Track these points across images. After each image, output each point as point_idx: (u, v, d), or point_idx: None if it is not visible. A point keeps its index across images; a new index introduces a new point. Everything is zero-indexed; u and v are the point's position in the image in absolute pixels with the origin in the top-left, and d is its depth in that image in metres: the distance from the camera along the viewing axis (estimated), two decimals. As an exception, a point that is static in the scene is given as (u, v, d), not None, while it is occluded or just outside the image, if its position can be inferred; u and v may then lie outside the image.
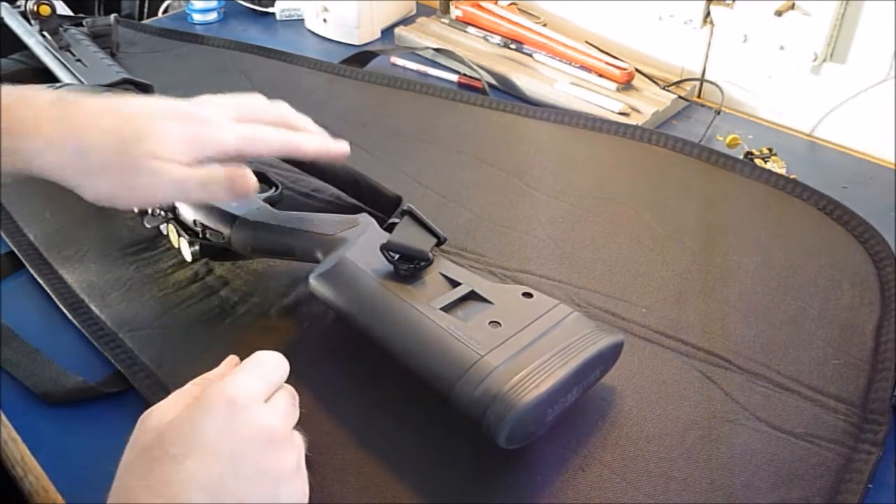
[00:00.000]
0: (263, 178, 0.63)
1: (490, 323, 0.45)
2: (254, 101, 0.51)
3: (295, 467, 0.39)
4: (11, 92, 0.45)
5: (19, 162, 0.44)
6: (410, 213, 0.50)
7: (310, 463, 0.42)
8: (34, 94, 0.45)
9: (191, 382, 0.42)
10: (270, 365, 0.42)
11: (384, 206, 0.63)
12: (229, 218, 0.55)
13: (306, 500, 0.40)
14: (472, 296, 0.47)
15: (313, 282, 0.50)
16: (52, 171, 0.45)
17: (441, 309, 0.46)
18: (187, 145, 0.45)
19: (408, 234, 0.49)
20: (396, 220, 0.51)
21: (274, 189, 0.61)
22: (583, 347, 0.44)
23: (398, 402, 0.48)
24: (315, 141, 0.51)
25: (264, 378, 0.41)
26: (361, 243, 0.51)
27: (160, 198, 0.48)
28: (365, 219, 0.54)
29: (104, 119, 0.45)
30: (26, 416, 0.50)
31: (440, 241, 0.50)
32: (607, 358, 0.46)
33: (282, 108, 0.52)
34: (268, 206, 0.57)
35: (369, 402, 0.48)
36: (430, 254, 0.49)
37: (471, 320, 0.45)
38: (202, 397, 0.39)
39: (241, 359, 0.43)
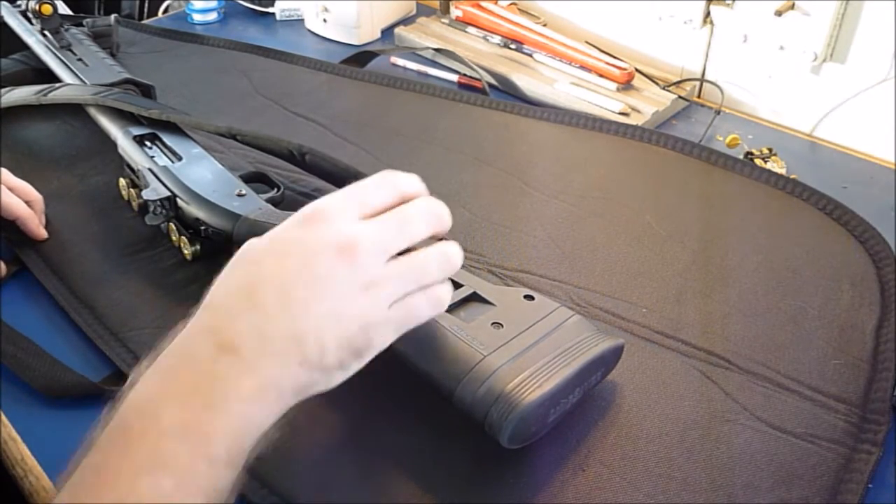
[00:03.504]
0: (265, 179, 0.64)
1: (492, 324, 0.45)
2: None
3: (372, 285, 0.37)
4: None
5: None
6: None
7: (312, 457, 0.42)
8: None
9: None
10: (373, 186, 0.40)
11: None
12: (232, 217, 0.55)
13: (386, 337, 0.38)
14: (475, 297, 0.48)
15: None
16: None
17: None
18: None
19: None
20: None
21: (276, 189, 0.62)
22: (584, 349, 0.44)
23: (398, 403, 0.48)
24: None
25: (358, 198, 0.39)
26: None
27: None
28: None
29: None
30: (26, 416, 0.50)
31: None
32: (608, 361, 0.47)
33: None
34: (270, 206, 0.57)
35: (369, 402, 0.48)
36: None
37: (473, 321, 0.45)
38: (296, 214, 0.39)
39: None
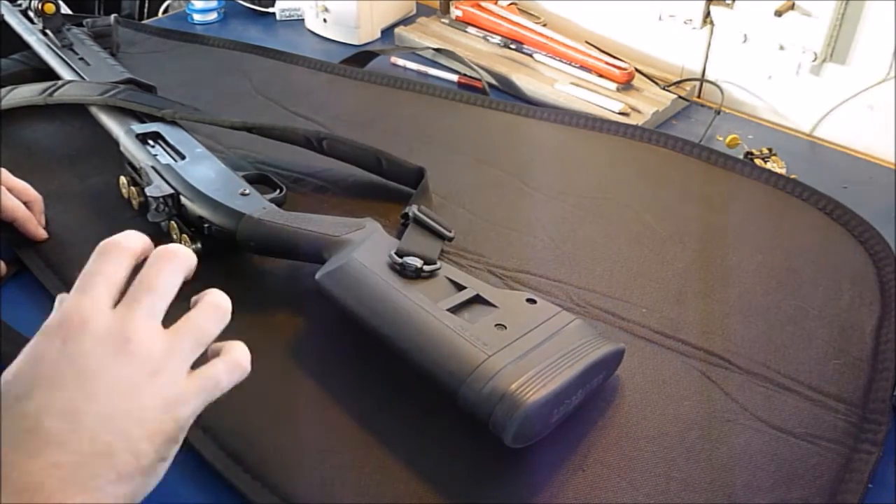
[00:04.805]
0: (267, 181, 0.64)
1: (496, 325, 0.46)
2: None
3: (158, 366, 0.35)
4: None
5: None
6: (416, 220, 0.52)
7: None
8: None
9: None
10: (106, 264, 0.36)
11: (407, 179, 0.65)
12: (236, 215, 0.55)
13: (193, 409, 0.36)
14: (478, 299, 0.48)
15: (321, 279, 0.51)
16: None
17: (448, 311, 0.47)
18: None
19: (416, 241, 0.52)
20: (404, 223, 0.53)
21: (278, 191, 0.62)
22: (587, 352, 0.44)
23: (398, 402, 0.48)
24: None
25: (108, 281, 0.36)
26: (368, 246, 0.52)
27: None
28: (371, 223, 0.55)
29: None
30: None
31: (448, 239, 0.51)
32: (610, 364, 0.47)
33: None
34: (274, 206, 0.57)
35: (369, 401, 0.48)
36: (438, 260, 0.51)
37: (477, 322, 0.46)
38: (40, 331, 0.35)
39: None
